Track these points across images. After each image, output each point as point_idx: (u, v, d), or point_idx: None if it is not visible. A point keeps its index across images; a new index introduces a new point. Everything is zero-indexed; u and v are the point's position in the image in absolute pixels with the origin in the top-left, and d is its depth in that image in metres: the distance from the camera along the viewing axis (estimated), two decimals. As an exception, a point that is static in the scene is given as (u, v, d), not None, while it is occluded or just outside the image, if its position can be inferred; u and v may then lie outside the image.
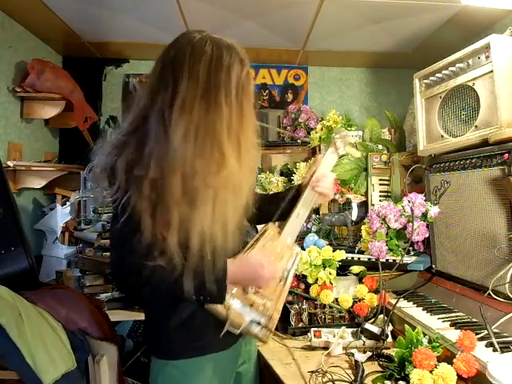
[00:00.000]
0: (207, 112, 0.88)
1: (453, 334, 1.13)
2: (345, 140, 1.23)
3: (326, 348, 1.33)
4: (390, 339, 1.33)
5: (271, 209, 1.19)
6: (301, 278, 1.68)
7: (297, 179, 2.38)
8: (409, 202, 1.70)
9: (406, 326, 1.21)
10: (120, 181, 0.88)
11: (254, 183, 1.06)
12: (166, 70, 0.91)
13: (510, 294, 1.24)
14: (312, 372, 1.17)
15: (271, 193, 1.31)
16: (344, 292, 1.62)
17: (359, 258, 1.73)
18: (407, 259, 1.66)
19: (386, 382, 1.10)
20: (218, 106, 0.89)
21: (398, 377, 1.09)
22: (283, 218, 1.19)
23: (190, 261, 0.90)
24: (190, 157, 0.87)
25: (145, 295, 1.00)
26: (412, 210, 1.66)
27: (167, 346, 1.02)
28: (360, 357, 1.24)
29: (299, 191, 1.23)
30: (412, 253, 1.74)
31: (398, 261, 1.61)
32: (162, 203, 0.87)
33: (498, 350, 1.06)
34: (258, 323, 1.01)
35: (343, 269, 1.72)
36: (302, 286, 1.66)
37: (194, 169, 0.87)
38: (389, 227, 1.72)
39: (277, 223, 1.21)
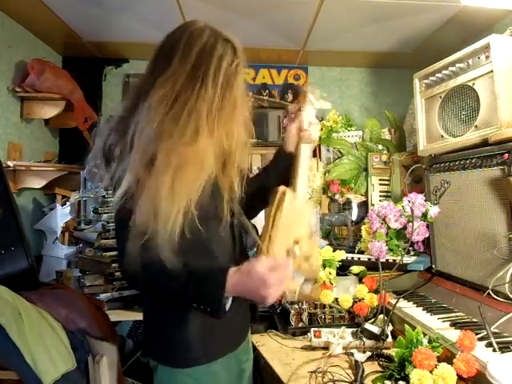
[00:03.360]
0: (193, 88, 0.90)
1: (453, 334, 1.13)
2: (316, 94, 1.23)
3: (326, 348, 1.34)
4: (390, 339, 1.33)
5: (271, 183, 1.10)
6: (301, 278, 1.68)
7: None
8: (409, 201, 1.70)
9: (406, 326, 1.21)
10: (115, 158, 0.89)
11: (234, 180, 1.01)
12: (165, 47, 0.96)
13: (509, 294, 1.24)
14: (312, 372, 1.17)
15: (256, 173, 1.25)
16: (344, 292, 1.62)
17: (359, 258, 1.73)
18: (407, 259, 1.66)
19: (385, 381, 1.10)
20: (205, 86, 0.90)
21: (397, 377, 1.09)
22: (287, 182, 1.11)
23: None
24: (162, 119, 0.87)
25: (143, 288, 0.96)
26: (412, 210, 1.66)
27: (180, 353, 0.97)
28: (360, 357, 1.24)
29: (282, 151, 1.18)
30: (412, 253, 1.74)
31: (397, 261, 1.61)
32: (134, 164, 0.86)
33: (497, 350, 1.06)
34: (307, 282, 1.00)
35: (343, 269, 1.72)
36: (302, 285, 1.66)
37: (160, 129, 0.86)
38: (389, 227, 1.72)
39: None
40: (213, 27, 0.97)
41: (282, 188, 1.04)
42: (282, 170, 1.17)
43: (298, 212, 1.04)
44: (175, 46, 0.94)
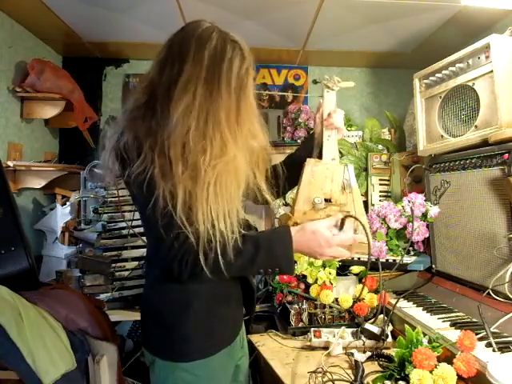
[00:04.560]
0: (210, 96, 0.91)
1: (453, 334, 1.13)
2: (333, 79, 1.26)
3: (326, 348, 1.34)
4: (390, 339, 1.33)
5: (301, 158, 1.21)
6: (301, 278, 1.68)
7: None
8: (409, 202, 1.70)
9: (406, 326, 1.21)
10: (132, 158, 0.89)
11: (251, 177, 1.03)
12: (175, 49, 0.95)
13: (509, 294, 1.24)
14: (312, 372, 1.17)
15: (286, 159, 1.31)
16: (344, 292, 1.62)
17: (359, 258, 1.73)
18: (407, 259, 1.66)
19: (385, 382, 1.10)
20: (220, 93, 0.91)
21: (397, 377, 1.09)
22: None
23: (200, 238, 0.88)
24: (191, 133, 0.88)
25: (212, 268, 0.91)
26: (412, 210, 1.66)
27: (179, 347, 0.99)
28: (360, 357, 1.24)
29: (313, 138, 1.27)
30: (412, 253, 1.74)
31: (397, 261, 1.61)
32: (171, 174, 0.88)
33: (496, 350, 1.06)
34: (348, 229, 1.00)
35: (343, 269, 1.72)
36: (302, 285, 1.67)
37: (194, 145, 0.88)
38: (389, 227, 1.72)
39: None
40: (220, 28, 0.97)
41: (306, 161, 1.18)
42: (309, 149, 1.25)
43: (324, 173, 1.16)
44: (185, 48, 0.93)
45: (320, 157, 1.21)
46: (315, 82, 3.02)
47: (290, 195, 2.16)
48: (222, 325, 1.04)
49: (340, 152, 2.40)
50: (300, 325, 1.56)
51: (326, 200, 1.10)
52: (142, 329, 1.12)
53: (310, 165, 1.16)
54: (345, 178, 1.14)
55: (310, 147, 1.26)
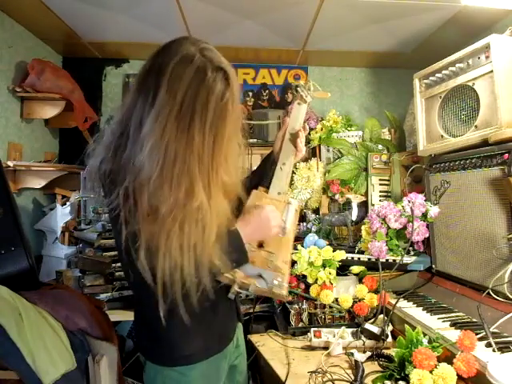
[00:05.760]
0: (180, 138, 0.82)
1: (453, 334, 1.14)
2: (307, 86, 1.17)
3: (326, 348, 1.34)
4: (390, 339, 1.33)
5: (255, 183, 1.17)
6: (301, 278, 1.68)
7: (297, 179, 2.38)
8: (409, 202, 1.70)
9: (406, 326, 1.21)
10: (107, 190, 0.88)
11: (229, 213, 0.95)
12: (151, 74, 0.86)
13: (509, 294, 1.24)
14: (312, 372, 1.17)
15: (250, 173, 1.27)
16: (344, 292, 1.62)
17: (359, 258, 1.73)
18: (407, 259, 1.66)
19: (385, 381, 1.10)
20: (191, 134, 0.83)
21: (398, 377, 1.10)
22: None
23: (158, 283, 0.85)
24: (156, 176, 0.81)
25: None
26: (412, 210, 1.66)
27: (165, 352, 1.00)
28: (360, 357, 1.24)
29: (273, 155, 1.21)
30: (412, 253, 1.74)
31: (397, 261, 1.61)
32: (134, 214, 0.83)
33: (496, 350, 1.06)
34: (266, 278, 0.99)
35: (343, 269, 1.72)
36: (302, 285, 1.67)
37: (158, 190, 0.82)
38: (389, 227, 1.72)
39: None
40: (204, 51, 0.86)
41: (252, 192, 1.11)
42: (266, 170, 1.20)
43: None
44: (161, 74, 0.83)
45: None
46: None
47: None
48: (208, 332, 1.03)
49: (340, 152, 2.40)
50: (300, 325, 1.56)
51: (259, 246, 1.03)
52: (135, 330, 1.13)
53: (254, 198, 1.08)
54: (282, 218, 1.04)
55: (266, 170, 1.19)
